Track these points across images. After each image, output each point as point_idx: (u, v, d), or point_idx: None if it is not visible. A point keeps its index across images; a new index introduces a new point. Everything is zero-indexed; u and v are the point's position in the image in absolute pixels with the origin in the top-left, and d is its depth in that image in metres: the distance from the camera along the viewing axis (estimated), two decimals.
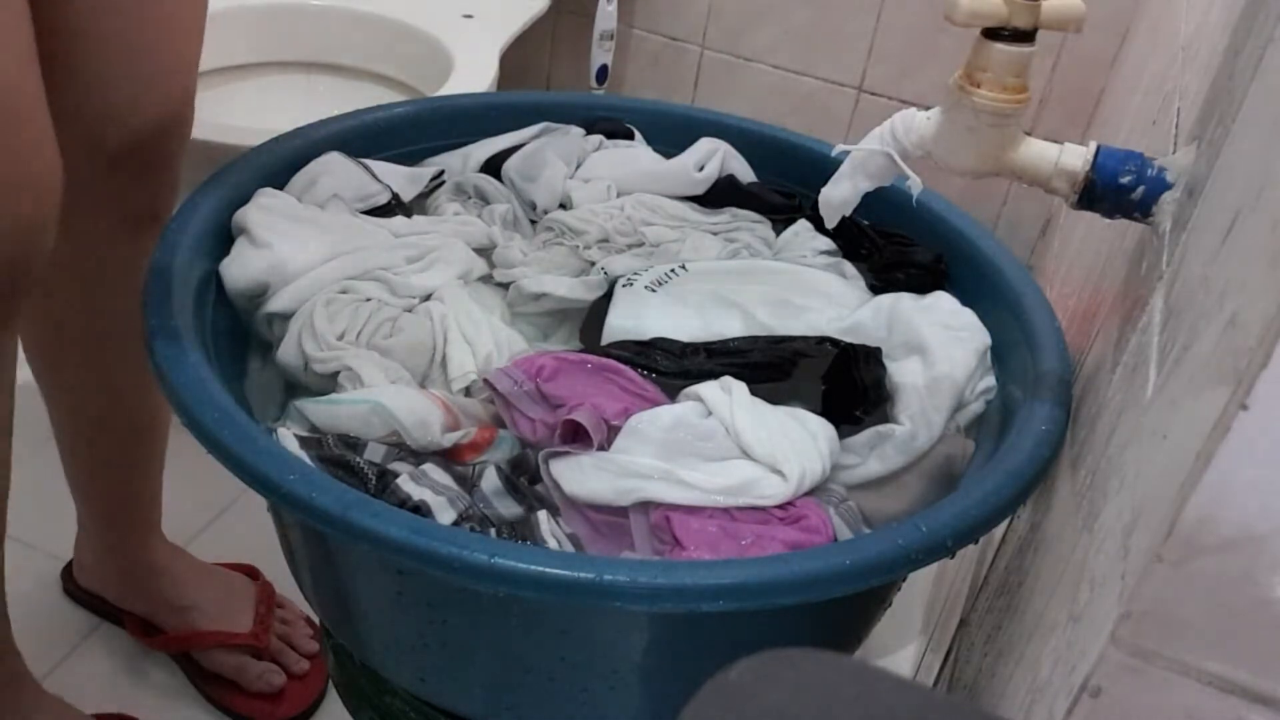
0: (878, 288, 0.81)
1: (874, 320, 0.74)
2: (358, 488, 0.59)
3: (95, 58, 0.76)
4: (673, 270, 0.77)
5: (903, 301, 0.75)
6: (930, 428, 0.67)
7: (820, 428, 0.66)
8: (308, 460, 0.60)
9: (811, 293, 0.77)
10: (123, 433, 1.00)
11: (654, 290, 0.75)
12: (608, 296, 0.76)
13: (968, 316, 0.74)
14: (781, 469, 0.62)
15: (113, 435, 1.00)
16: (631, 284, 0.76)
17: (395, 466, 0.63)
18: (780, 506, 0.62)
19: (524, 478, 0.64)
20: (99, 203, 0.84)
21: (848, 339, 0.72)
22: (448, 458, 0.65)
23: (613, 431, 0.65)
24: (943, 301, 0.75)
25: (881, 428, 0.67)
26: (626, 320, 0.73)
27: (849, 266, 0.82)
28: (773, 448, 0.63)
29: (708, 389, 0.66)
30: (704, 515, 0.61)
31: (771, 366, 0.69)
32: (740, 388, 0.66)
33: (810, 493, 0.64)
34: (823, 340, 0.71)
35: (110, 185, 0.84)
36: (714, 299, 0.75)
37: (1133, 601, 0.37)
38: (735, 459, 0.63)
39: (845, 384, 0.69)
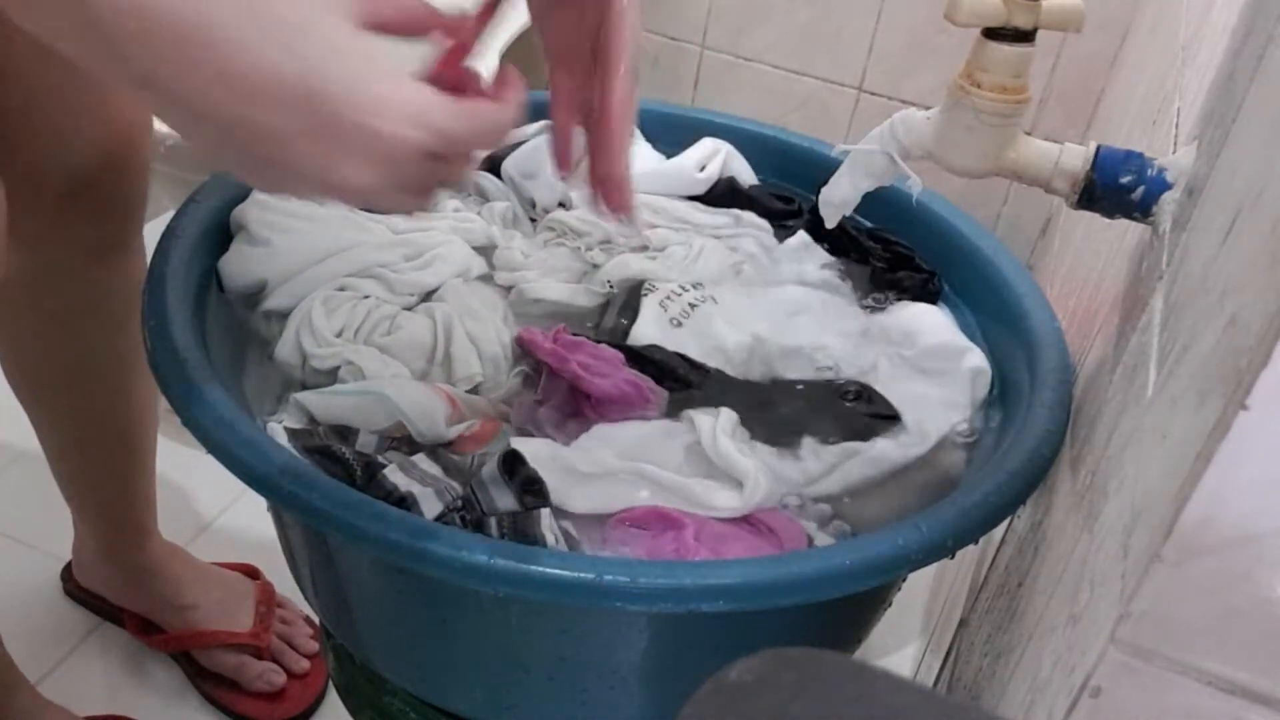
0: (876, 294, 0.81)
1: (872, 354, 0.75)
2: (343, 478, 0.59)
3: (29, 96, 0.76)
4: (691, 304, 0.77)
5: (890, 334, 0.76)
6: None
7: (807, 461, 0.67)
8: (294, 452, 0.60)
9: (829, 330, 0.77)
10: (108, 447, 1.00)
11: (680, 324, 0.75)
12: (623, 304, 0.77)
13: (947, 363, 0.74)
14: (743, 481, 0.62)
15: (98, 450, 1.01)
16: (665, 308, 0.76)
17: (385, 457, 0.63)
18: (749, 522, 0.62)
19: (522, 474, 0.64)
20: (54, 236, 0.84)
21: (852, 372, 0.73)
22: (450, 449, 0.66)
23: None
24: (925, 337, 0.75)
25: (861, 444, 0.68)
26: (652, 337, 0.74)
27: (845, 286, 0.83)
28: (740, 464, 0.63)
29: (700, 416, 0.66)
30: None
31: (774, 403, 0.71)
32: (728, 414, 0.66)
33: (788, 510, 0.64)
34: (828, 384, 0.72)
35: (63, 219, 0.83)
36: (735, 343, 0.75)
37: (1133, 601, 0.37)
38: (689, 479, 0.64)
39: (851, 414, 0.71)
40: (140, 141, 0.84)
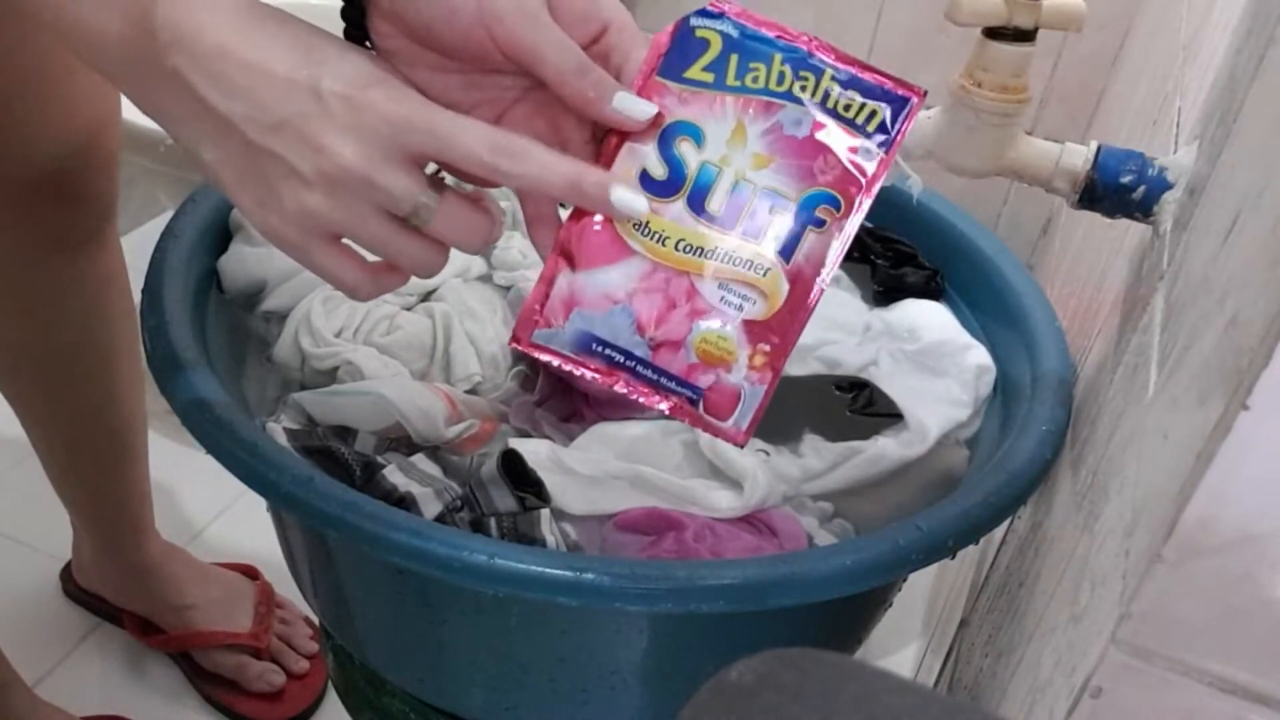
0: (879, 291, 0.81)
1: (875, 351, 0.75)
2: (342, 478, 0.59)
3: None
4: None
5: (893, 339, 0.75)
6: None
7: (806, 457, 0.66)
8: (293, 451, 0.60)
9: (832, 326, 0.76)
10: (97, 442, 1.00)
11: None
12: None
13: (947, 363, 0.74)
14: (742, 483, 0.62)
15: (87, 446, 1.00)
16: None
17: (384, 457, 0.63)
18: (749, 521, 0.62)
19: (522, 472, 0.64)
20: (23, 229, 0.84)
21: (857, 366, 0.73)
22: (449, 450, 0.65)
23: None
24: (927, 334, 0.75)
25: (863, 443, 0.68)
26: None
27: (845, 279, 0.82)
28: (739, 464, 0.63)
29: None
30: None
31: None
32: None
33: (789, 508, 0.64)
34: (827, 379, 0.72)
35: (30, 212, 0.83)
36: None
37: (1133, 602, 0.37)
38: (688, 480, 0.63)
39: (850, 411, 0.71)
40: (108, 135, 0.84)
